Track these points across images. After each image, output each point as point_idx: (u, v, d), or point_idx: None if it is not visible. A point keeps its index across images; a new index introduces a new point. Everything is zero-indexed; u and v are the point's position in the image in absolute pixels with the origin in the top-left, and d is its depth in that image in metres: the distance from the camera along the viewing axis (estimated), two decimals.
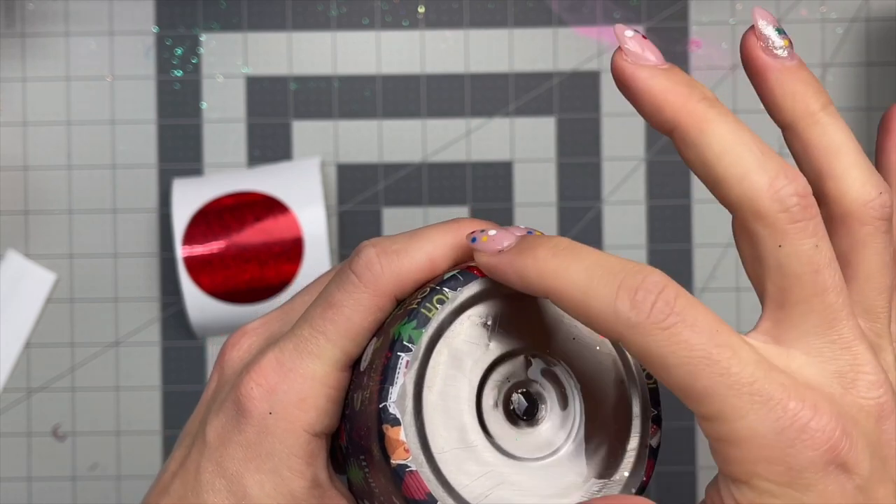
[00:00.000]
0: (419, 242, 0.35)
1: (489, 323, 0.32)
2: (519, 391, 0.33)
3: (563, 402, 0.33)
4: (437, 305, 0.32)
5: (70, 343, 0.67)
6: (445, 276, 0.33)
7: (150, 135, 0.68)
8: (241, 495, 0.35)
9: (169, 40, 0.68)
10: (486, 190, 0.68)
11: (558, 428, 0.32)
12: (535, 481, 0.31)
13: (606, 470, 0.32)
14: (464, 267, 0.33)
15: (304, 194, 0.64)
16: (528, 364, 0.33)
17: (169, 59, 0.68)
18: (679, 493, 0.67)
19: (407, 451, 0.31)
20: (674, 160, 0.68)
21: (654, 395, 0.34)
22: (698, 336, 0.29)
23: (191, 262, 0.64)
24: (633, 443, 0.32)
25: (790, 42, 0.34)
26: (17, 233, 0.68)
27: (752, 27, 0.34)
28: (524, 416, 0.32)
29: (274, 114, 0.68)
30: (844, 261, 0.33)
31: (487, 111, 0.68)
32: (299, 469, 0.35)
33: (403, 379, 0.31)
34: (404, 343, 0.32)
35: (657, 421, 0.33)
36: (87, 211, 0.68)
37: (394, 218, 0.68)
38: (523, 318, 0.33)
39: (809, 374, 0.30)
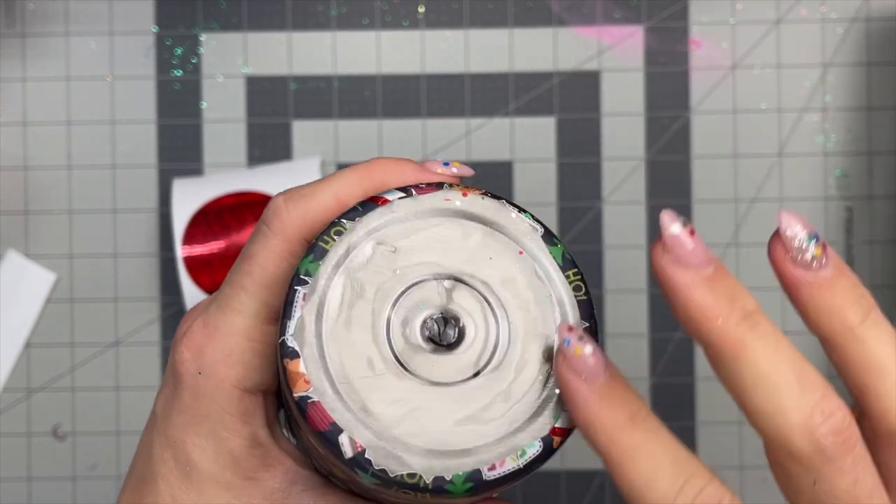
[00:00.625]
0: (326, 184, 0.34)
1: (397, 250, 0.32)
2: (434, 317, 0.31)
3: (485, 324, 0.31)
4: (335, 237, 0.32)
5: (70, 343, 0.67)
6: (346, 210, 0.32)
7: (150, 135, 0.68)
8: (185, 461, 0.34)
9: (169, 40, 0.68)
10: (487, 190, 0.68)
11: (479, 351, 0.31)
12: (454, 405, 0.30)
13: (532, 386, 0.31)
14: (367, 199, 0.33)
15: None
16: (443, 289, 0.32)
17: (169, 58, 0.68)
18: None
19: (307, 382, 0.30)
20: (674, 160, 0.68)
21: (586, 306, 0.32)
22: None
23: (191, 262, 0.64)
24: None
25: (824, 247, 0.32)
26: (17, 233, 0.68)
27: (778, 234, 0.32)
28: (440, 341, 0.31)
29: (274, 114, 0.68)
30: (890, 475, 0.32)
31: (487, 111, 0.68)
32: (235, 427, 0.34)
33: (301, 312, 0.31)
34: (301, 277, 0.31)
35: (590, 332, 0.32)
36: (87, 211, 0.68)
37: None
38: (436, 244, 0.32)
39: None
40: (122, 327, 0.67)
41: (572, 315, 0.32)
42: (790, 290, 0.32)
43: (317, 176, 0.65)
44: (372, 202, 0.32)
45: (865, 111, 0.68)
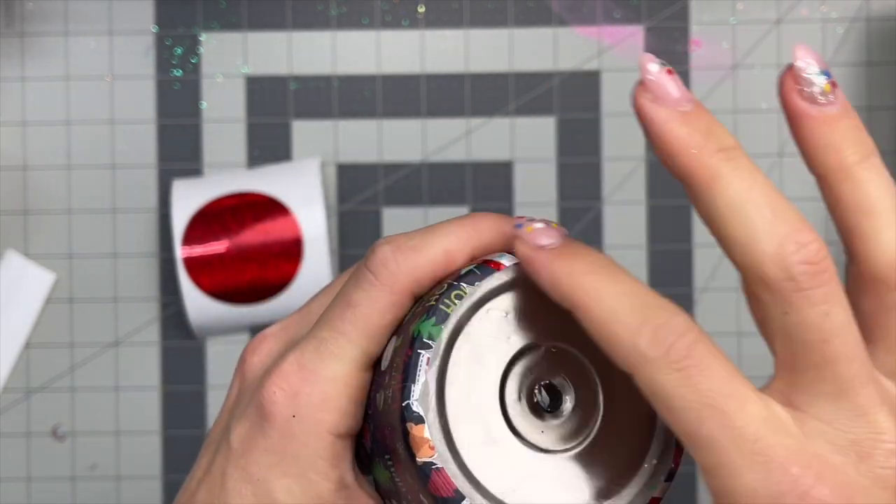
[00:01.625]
0: (435, 237, 0.34)
1: (509, 315, 0.32)
2: (542, 383, 0.32)
3: (588, 393, 0.32)
4: (456, 301, 0.32)
5: (69, 343, 0.67)
6: (463, 271, 0.33)
7: (150, 134, 0.68)
8: (269, 500, 0.34)
9: (168, 40, 0.68)
10: (486, 190, 0.68)
11: (583, 419, 0.31)
12: (561, 473, 0.31)
13: (634, 458, 0.31)
14: (481, 261, 0.33)
15: (303, 195, 0.64)
16: (550, 356, 0.32)
17: (168, 58, 0.68)
18: (679, 493, 0.68)
19: (432, 448, 0.31)
20: None
21: None
22: (709, 382, 0.28)
23: (190, 263, 0.64)
24: (660, 424, 0.31)
25: (833, 84, 0.32)
26: (16, 233, 0.68)
27: (791, 66, 0.32)
28: (548, 408, 0.32)
29: (274, 113, 0.68)
30: (872, 322, 0.31)
31: (487, 111, 0.68)
32: (325, 471, 0.34)
33: (425, 376, 0.31)
34: (424, 340, 0.31)
35: None
36: (87, 211, 0.68)
37: (394, 218, 0.68)
38: (544, 310, 0.31)
39: (820, 441, 0.29)
40: (121, 327, 0.67)
41: None
42: (793, 122, 0.32)
43: (317, 177, 0.65)
44: (487, 265, 0.32)
45: (866, 111, 0.68)
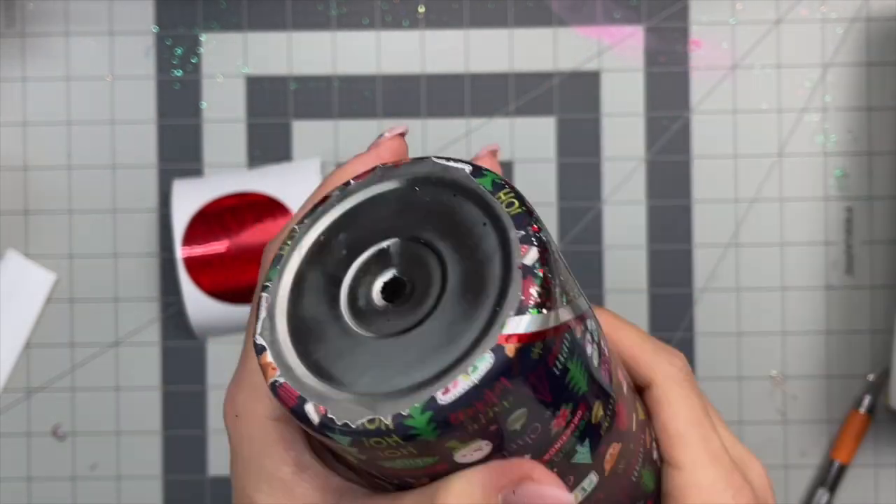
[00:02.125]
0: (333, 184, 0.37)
1: (341, 237, 0.34)
2: (384, 279, 0.33)
3: (431, 273, 0.32)
4: (289, 242, 0.34)
5: (70, 343, 0.67)
6: (308, 210, 0.35)
7: (150, 135, 0.68)
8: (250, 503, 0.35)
9: (169, 40, 0.68)
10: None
11: (430, 298, 0.32)
12: (408, 351, 0.31)
13: (488, 307, 0.31)
14: (313, 205, 0.35)
15: (304, 195, 0.64)
16: (386, 254, 0.33)
17: (169, 58, 0.68)
18: None
19: (274, 369, 0.32)
20: (674, 160, 0.68)
21: (520, 218, 0.32)
22: (702, 399, 0.40)
23: (190, 263, 0.64)
24: (513, 270, 0.31)
25: None
26: (17, 233, 0.68)
27: None
28: (391, 300, 0.32)
29: (274, 114, 0.68)
30: None
31: (487, 111, 0.68)
32: (279, 456, 0.35)
33: (265, 313, 0.33)
34: (264, 284, 0.33)
35: (527, 241, 0.31)
36: (87, 211, 0.68)
37: None
38: (383, 209, 0.34)
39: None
40: (121, 327, 0.67)
41: (509, 228, 0.31)
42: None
43: (317, 177, 0.65)
44: (318, 204, 0.34)
45: (865, 111, 0.68)
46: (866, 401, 0.67)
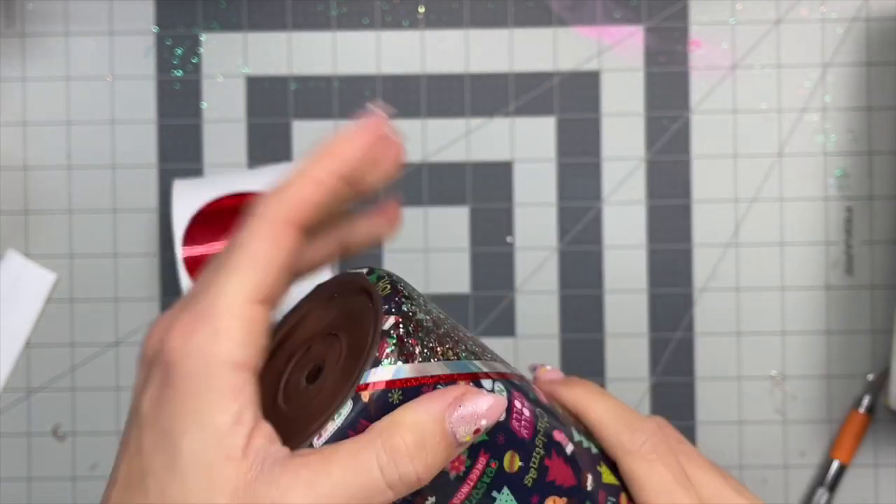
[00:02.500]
0: (300, 172, 0.38)
1: (290, 341, 0.40)
2: (307, 371, 0.38)
3: (331, 354, 0.38)
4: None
5: (70, 343, 0.68)
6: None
7: (151, 135, 0.68)
8: (174, 450, 0.34)
9: (169, 40, 0.68)
10: (486, 190, 0.68)
11: (324, 374, 0.37)
12: (306, 413, 0.36)
13: (355, 371, 0.36)
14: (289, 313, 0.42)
15: None
16: (313, 347, 0.39)
17: (169, 58, 0.68)
18: None
19: None
20: (674, 160, 0.68)
21: (387, 297, 0.37)
22: (672, 468, 0.44)
23: (191, 263, 0.64)
24: (369, 338, 0.36)
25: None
26: (17, 233, 0.68)
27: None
28: (311, 382, 0.37)
29: (274, 114, 0.68)
30: None
31: (487, 111, 0.68)
32: (221, 403, 0.34)
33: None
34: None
35: (388, 312, 0.36)
36: (87, 211, 0.68)
37: None
38: (314, 324, 0.39)
39: None
40: (122, 327, 0.67)
41: (376, 304, 0.37)
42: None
43: None
44: (288, 314, 0.42)
45: (865, 111, 0.68)
46: (866, 401, 0.67)
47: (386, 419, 0.34)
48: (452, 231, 0.68)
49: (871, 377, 0.67)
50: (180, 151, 0.68)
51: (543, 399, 0.41)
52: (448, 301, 0.68)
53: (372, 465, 0.34)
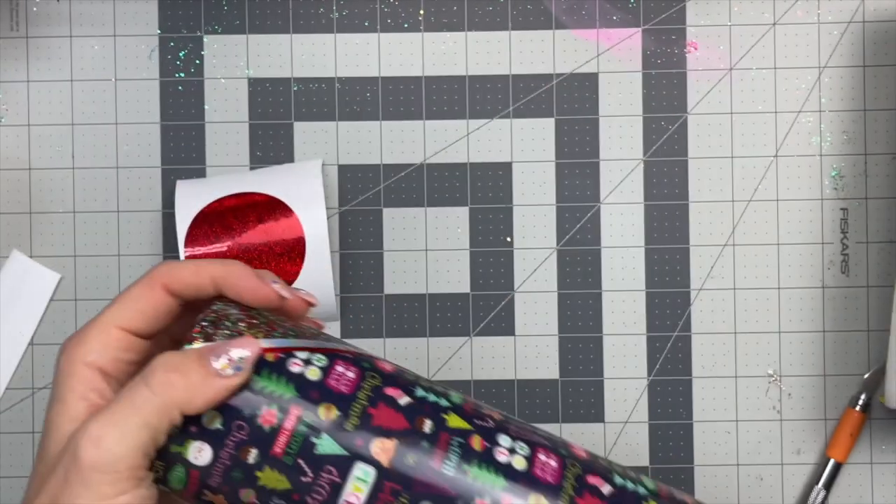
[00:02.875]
0: (199, 263, 0.48)
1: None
2: None
3: None
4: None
5: None
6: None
7: (154, 136, 0.68)
8: (45, 422, 0.46)
9: (172, 42, 0.68)
10: (486, 190, 0.68)
11: None
12: None
13: None
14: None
15: (305, 196, 0.64)
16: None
17: (172, 61, 0.68)
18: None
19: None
20: (671, 160, 0.68)
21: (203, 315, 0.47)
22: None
23: None
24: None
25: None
26: (21, 233, 0.68)
27: None
28: None
29: (276, 115, 0.68)
30: None
31: (487, 112, 0.68)
32: (79, 391, 0.46)
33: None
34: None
35: (200, 321, 0.47)
36: (91, 211, 0.68)
37: (394, 218, 0.68)
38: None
39: None
40: None
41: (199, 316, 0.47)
42: None
43: (318, 178, 0.65)
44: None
45: (861, 113, 0.68)
46: (862, 399, 0.67)
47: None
48: (452, 231, 0.68)
49: (866, 376, 0.68)
50: (183, 152, 0.68)
51: (387, 368, 0.47)
52: (448, 301, 0.68)
53: (140, 388, 0.44)
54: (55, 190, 0.68)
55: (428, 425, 0.45)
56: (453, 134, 0.68)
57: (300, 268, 0.64)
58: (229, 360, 0.45)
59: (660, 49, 0.68)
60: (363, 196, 0.68)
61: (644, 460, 0.68)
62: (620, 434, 0.68)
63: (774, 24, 0.68)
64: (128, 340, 0.47)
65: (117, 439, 0.43)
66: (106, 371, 0.47)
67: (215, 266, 0.49)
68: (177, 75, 0.68)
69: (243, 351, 0.45)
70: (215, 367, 0.44)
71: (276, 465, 0.44)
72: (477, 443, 0.45)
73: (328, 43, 0.68)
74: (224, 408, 0.45)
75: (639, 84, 0.68)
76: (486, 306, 0.68)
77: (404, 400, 0.46)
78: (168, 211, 0.68)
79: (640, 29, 0.68)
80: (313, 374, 0.45)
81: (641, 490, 0.46)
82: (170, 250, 0.68)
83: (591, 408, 0.68)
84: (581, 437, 0.68)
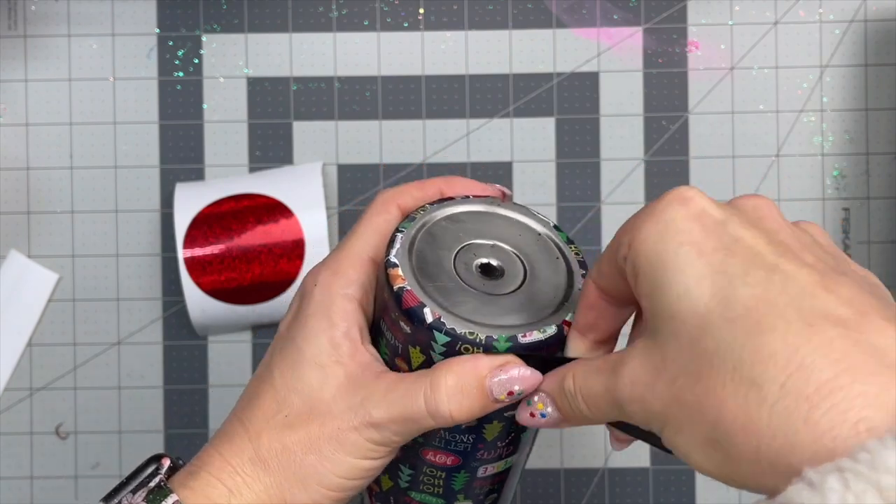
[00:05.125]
0: (417, 185, 0.50)
1: (461, 222, 0.49)
2: (482, 261, 0.48)
3: (516, 267, 0.48)
4: (422, 211, 0.49)
5: (72, 342, 0.68)
6: (438, 200, 0.50)
7: (152, 136, 0.68)
8: (296, 351, 0.47)
9: (171, 42, 0.68)
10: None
11: (512, 282, 0.47)
12: (499, 305, 0.46)
13: (553, 302, 0.47)
14: (443, 198, 0.50)
15: (306, 198, 0.65)
16: (489, 247, 0.48)
17: (171, 60, 0.68)
18: (678, 492, 0.68)
19: (403, 279, 0.46)
20: (672, 160, 0.68)
21: (582, 263, 0.49)
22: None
23: (192, 264, 0.64)
24: (575, 288, 0.48)
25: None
26: (19, 233, 0.68)
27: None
28: (485, 274, 0.47)
29: (275, 115, 0.68)
30: None
31: (487, 112, 0.68)
32: (335, 321, 0.46)
33: (399, 244, 0.47)
34: (400, 228, 0.48)
35: (584, 276, 0.48)
36: (90, 211, 0.68)
37: None
38: (487, 224, 0.49)
39: None
40: (124, 327, 0.68)
41: (574, 265, 0.49)
42: None
43: (318, 179, 0.65)
44: (447, 199, 0.50)
45: (863, 112, 0.68)
46: None
47: (444, 362, 0.45)
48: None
49: None
50: (182, 152, 0.68)
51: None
52: None
53: (419, 394, 0.44)
54: (53, 189, 0.68)
55: None
56: (453, 134, 0.68)
57: (299, 270, 0.64)
58: (510, 393, 0.44)
59: (661, 48, 0.68)
60: (363, 196, 0.68)
61: (644, 461, 0.68)
62: None
63: (776, 23, 0.68)
64: (376, 270, 0.48)
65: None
66: (363, 304, 0.47)
67: (436, 179, 0.50)
68: (175, 74, 0.68)
69: (524, 387, 0.44)
70: (497, 397, 0.44)
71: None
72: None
73: (327, 42, 0.68)
74: None
75: (639, 83, 0.68)
76: None
77: None
78: (167, 211, 0.68)
79: (640, 28, 0.68)
80: None
81: None
82: (168, 250, 0.68)
83: None
84: (581, 437, 0.68)
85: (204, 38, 0.68)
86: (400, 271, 0.46)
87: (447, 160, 0.68)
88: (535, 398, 0.44)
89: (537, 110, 0.68)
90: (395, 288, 0.45)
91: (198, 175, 0.68)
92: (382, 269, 0.47)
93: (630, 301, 0.43)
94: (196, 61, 0.68)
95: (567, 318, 0.46)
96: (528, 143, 0.68)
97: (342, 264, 0.48)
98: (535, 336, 0.45)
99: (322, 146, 0.68)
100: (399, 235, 0.47)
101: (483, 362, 0.44)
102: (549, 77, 0.68)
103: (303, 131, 0.68)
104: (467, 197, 0.50)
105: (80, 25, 0.68)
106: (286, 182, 0.65)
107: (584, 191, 0.68)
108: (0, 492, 0.68)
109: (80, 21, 0.68)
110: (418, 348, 0.46)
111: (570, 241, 0.49)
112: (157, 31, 0.68)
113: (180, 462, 0.49)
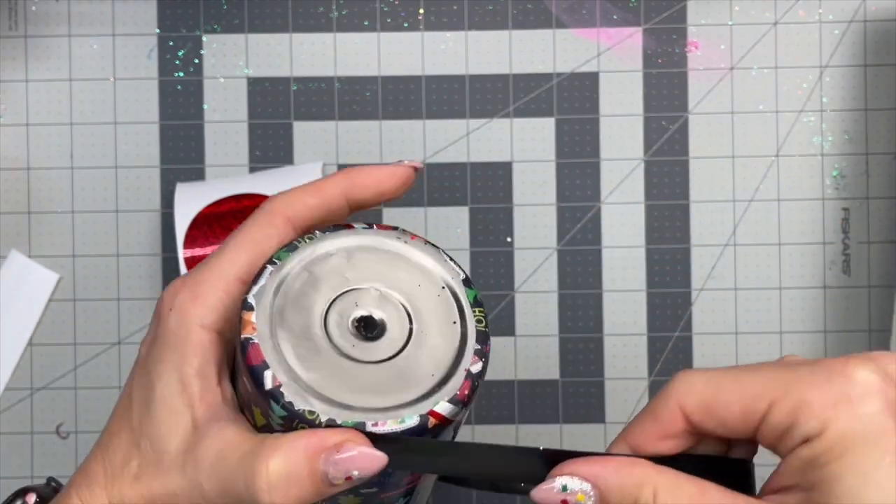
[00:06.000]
0: (313, 183, 0.44)
1: (350, 261, 0.42)
2: (362, 315, 0.41)
3: (400, 328, 0.41)
4: (307, 240, 0.41)
5: (73, 342, 0.68)
6: (328, 227, 0.42)
7: (153, 136, 0.68)
8: (149, 388, 0.41)
9: (171, 42, 0.68)
10: (486, 190, 0.68)
11: (389, 346, 0.40)
12: (360, 377, 0.39)
13: (429, 381, 0.40)
14: (343, 224, 0.43)
15: None
16: (374, 295, 0.41)
17: (171, 60, 0.68)
18: None
19: (254, 328, 0.39)
20: (672, 160, 0.68)
21: (482, 336, 0.41)
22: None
23: (192, 264, 0.64)
24: (461, 367, 0.40)
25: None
26: (20, 233, 0.68)
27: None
28: (363, 332, 0.41)
29: (275, 115, 0.68)
30: None
31: (487, 112, 0.68)
32: (188, 356, 0.41)
33: (265, 281, 0.40)
34: (274, 259, 0.41)
35: (480, 355, 0.41)
36: (90, 211, 0.68)
37: (394, 218, 0.68)
38: (384, 265, 0.42)
39: None
40: (124, 327, 0.68)
41: (471, 337, 0.41)
42: None
43: (318, 178, 0.65)
44: (344, 227, 0.42)
45: (862, 112, 0.68)
46: None
47: (273, 438, 0.38)
48: (452, 231, 0.68)
49: None
50: (182, 152, 0.68)
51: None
52: None
53: (240, 477, 0.38)
54: (54, 189, 0.68)
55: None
56: (453, 133, 0.68)
57: None
58: (349, 478, 0.38)
59: (660, 48, 0.68)
60: None
61: None
62: None
63: (776, 23, 0.68)
64: (235, 287, 0.42)
65: None
66: (223, 334, 0.41)
67: (335, 177, 0.43)
68: (176, 75, 0.68)
69: (364, 472, 0.38)
70: (333, 482, 0.38)
71: None
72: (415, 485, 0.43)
73: (328, 42, 0.68)
74: None
75: (639, 83, 0.68)
76: (486, 306, 0.68)
77: None
78: (167, 211, 0.68)
79: (640, 28, 0.68)
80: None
81: None
82: (169, 250, 0.68)
83: (591, 408, 0.68)
84: (582, 437, 0.68)
85: (204, 39, 0.68)
86: (254, 317, 0.39)
87: (447, 160, 0.68)
88: (576, 486, 0.37)
89: (537, 110, 0.68)
90: (242, 338, 0.39)
91: (198, 175, 0.68)
92: (238, 311, 0.40)
93: (734, 440, 0.39)
94: (196, 61, 0.68)
95: (436, 409, 0.39)
96: (528, 144, 0.68)
97: (203, 287, 0.41)
98: (388, 426, 0.38)
99: (322, 146, 0.68)
100: (269, 269, 0.40)
101: (314, 441, 0.38)
102: (549, 77, 0.68)
103: (303, 131, 0.68)
104: (370, 225, 0.43)
105: (80, 26, 0.68)
106: (286, 182, 0.65)
107: (584, 191, 0.68)
108: (0, 492, 0.68)
109: (80, 21, 0.68)
110: (258, 410, 0.40)
111: (477, 303, 0.42)
112: (158, 31, 0.68)
113: (53, 484, 0.46)
